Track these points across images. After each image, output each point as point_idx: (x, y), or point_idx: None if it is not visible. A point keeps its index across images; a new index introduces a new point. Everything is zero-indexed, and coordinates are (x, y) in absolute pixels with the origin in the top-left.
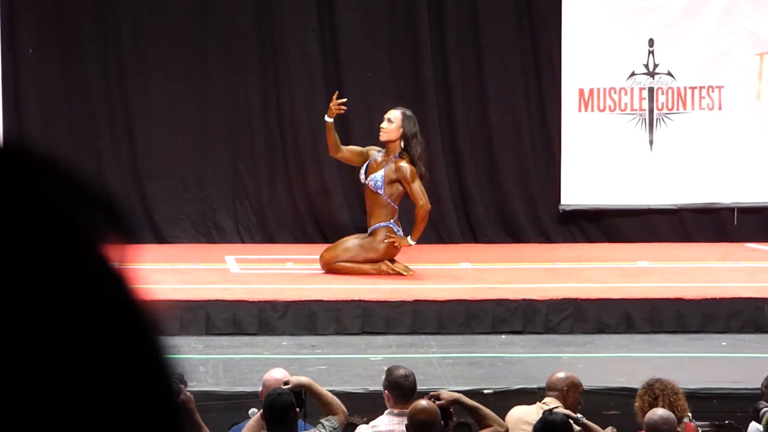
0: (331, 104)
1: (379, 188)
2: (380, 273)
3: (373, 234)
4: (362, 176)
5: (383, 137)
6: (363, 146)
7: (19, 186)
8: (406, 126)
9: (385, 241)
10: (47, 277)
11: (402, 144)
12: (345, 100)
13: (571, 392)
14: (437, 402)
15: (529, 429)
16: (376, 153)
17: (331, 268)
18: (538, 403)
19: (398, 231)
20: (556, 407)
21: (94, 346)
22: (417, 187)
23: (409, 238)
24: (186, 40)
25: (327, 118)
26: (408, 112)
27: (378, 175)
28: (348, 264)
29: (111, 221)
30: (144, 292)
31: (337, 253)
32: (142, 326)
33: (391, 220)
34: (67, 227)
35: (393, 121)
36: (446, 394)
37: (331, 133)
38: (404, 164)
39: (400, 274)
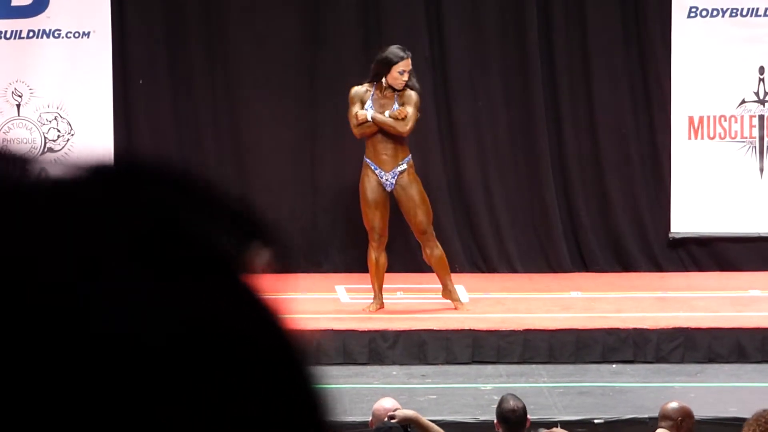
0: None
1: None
2: None
3: (409, 167)
4: (369, 114)
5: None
6: None
7: (154, 208)
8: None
9: None
10: (189, 306)
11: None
12: None
13: (685, 423)
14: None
15: None
16: (368, 91)
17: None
18: None
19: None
20: None
21: (246, 377)
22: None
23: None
24: (295, 65)
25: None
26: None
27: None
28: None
29: (257, 243)
30: (294, 322)
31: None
32: (294, 357)
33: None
34: (206, 253)
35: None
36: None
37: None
38: (409, 92)
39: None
